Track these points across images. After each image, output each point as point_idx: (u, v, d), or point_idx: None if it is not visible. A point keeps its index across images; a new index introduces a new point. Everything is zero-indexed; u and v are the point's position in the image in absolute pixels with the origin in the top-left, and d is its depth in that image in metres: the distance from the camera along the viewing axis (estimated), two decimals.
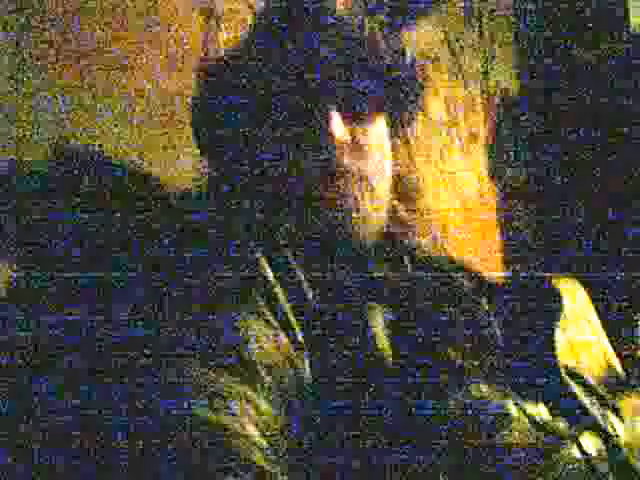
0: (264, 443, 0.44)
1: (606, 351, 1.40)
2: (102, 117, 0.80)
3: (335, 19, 0.69)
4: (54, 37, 0.76)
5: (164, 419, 0.43)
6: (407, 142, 1.31)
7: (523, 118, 1.99)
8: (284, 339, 0.52)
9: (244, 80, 0.71)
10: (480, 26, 1.79)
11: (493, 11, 1.91)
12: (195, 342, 0.48)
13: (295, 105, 0.68)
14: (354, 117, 0.70)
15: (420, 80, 0.78)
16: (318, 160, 0.66)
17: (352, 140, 0.68)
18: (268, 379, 0.48)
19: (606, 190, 1.93)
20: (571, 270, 1.60)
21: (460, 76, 1.66)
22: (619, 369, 1.36)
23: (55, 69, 0.76)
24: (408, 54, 0.75)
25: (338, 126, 0.67)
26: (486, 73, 1.79)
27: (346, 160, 0.67)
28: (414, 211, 1.26)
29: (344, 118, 0.68)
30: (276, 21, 0.71)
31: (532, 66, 2.07)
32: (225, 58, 0.78)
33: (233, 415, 0.43)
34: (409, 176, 1.30)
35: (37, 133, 0.72)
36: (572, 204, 2.00)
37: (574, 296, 1.47)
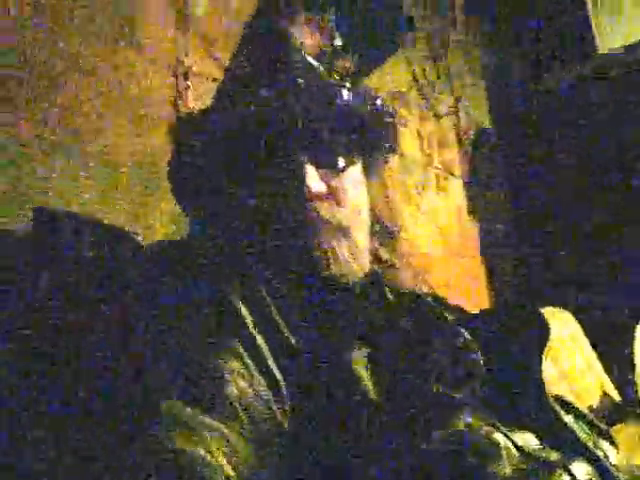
0: (236, 477, 0.45)
1: (601, 379, 1.38)
2: (74, 180, 0.80)
3: (304, 71, 0.68)
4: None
5: (142, 450, 0.44)
6: (384, 183, 1.33)
7: (498, 151, 2.02)
8: (261, 380, 0.53)
9: (217, 132, 0.71)
10: (446, 62, 1.82)
11: (458, 46, 1.96)
12: (176, 381, 0.50)
13: (269, 158, 0.68)
14: (328, 167, 0.69)
15: (392, 123, 0.78)
16: (294, 211, 0.66)
17: (328, 190, 0.68)
18: (244, 418, 0.50)
19: (589, 217, 1.94)
20: (559, 301, 1.59)
21: (431, 113, 1.68)
22: (616, 396, 1.35)
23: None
24: (378, 100, 0.75)
25: (314, 180, 0.67)
26: (456, 108, 1.82)
27: (323, 211, 0.67)
28: (395, 250, 1.26)
29: (318, 169, 0.68)
30: (246, 75, 0.72)
31: (504, 97, 2.11)
32: (198, 111, 0.80)
33: (208, 449, 0.45)
34: (388, 216, 1.31)
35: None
36: (556, 234, 2.00)
37: (565, 326, 1.46)
